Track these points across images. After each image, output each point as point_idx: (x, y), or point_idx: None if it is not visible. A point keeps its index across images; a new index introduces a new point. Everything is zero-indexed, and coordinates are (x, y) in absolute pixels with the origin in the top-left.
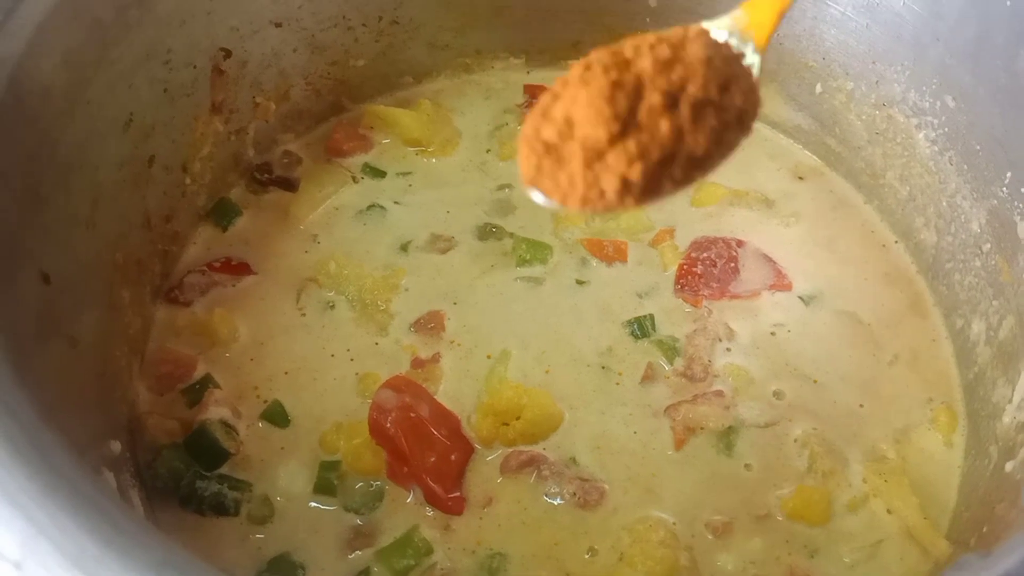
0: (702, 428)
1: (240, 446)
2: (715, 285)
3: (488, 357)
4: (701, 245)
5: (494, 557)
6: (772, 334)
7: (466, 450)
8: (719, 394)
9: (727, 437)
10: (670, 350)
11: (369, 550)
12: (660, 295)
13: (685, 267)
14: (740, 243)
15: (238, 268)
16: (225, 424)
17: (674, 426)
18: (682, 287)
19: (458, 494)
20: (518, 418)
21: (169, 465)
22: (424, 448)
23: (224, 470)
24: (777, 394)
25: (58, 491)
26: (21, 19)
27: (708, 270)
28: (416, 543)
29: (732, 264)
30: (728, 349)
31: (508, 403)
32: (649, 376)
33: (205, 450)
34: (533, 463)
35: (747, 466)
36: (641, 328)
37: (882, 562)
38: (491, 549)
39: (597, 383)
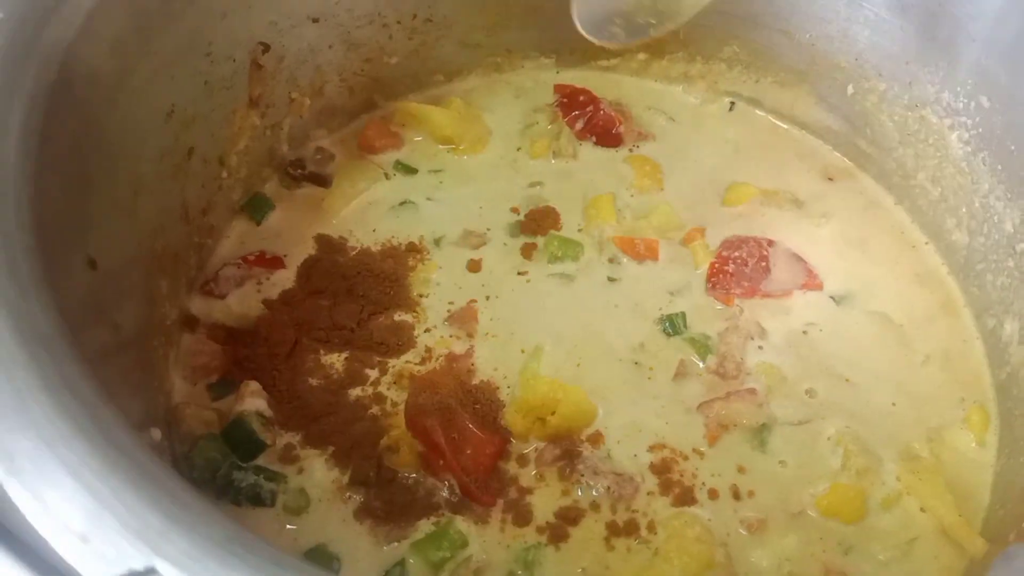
0: (735, 425)
1: (276, 438)
2: (746, 284)
3: (522, 352)
4: (732, 244)
5: (529, 550)
6: (804, 333)
7: (501, 444)
8: (752, 392)
9: (760, 434)
10: (702, 347)
11: (405, 542)
12: (692, 293)
13: (716, 265)
14: (771, 242)
15: (272, 262)
16: (261, 415)
17: (707, 423)
18: (713, 285)
19: (493, 487)
20: (553, 413)
21: (206, 455)
22: (459, 441)
23: (260, 461)
24: (810, 392)
25: (120, 466)
26: (73, 4)
27: (739, 269)
28: (451, 535)
29: (763, 263)
30: (760, 347)
31: (543, 398)
32: (681, 373)
33: (242, 441)
34: (567, 457)
35: (781, 463)
36: (673, 325)
37: (917, 560)
38: (526, 542)
39: (629, 378)
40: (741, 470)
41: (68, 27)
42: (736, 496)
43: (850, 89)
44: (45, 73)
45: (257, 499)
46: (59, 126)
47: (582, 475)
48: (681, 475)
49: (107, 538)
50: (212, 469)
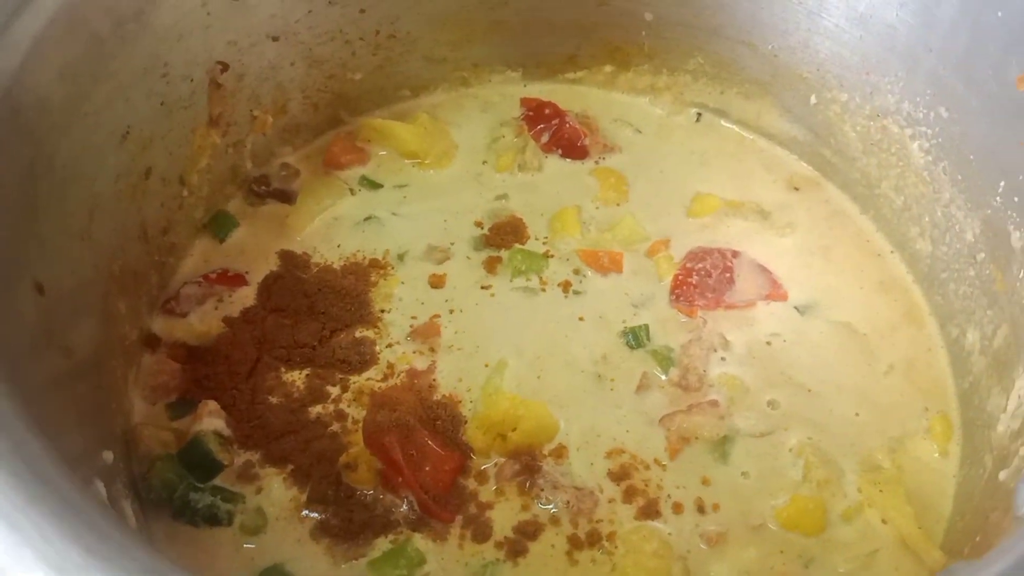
0: (697, 438)
1: (234, 457)
2: (710, 295)
3: (485, 366)
4: (696, 256)
5: (487, 566)
6: (767, 344)
7: (461, 459)
8: (714, 404)
9: (722, 447)
10: (665, 360)
11: (362, 560)
12: (655, 305)
13: (680, 277)
14: (735, 253)
15: (234, 279)
16: (219, 435)
17: (668, 435)
18: (677, 297)
19: (452, 503)
20: (514, 429)
21: (162, 477)
22: (419, 458)
23: (218, 481)
24: (772, 404)
25: (43, 500)
26: (17, 32)
27: (703, 280)
28: (409, 553)
29: (727, 274)
30: (723, 359)
31: (504, 414)
32: (644, 385)
33: (198, 462)
34: (528, 472)
35: (744, 474)
36: (636, 338)
37: (877, 572)
38: (484, 558)
39: (591, 390)
40: (705, 482)
41: (13, 54)
42: (701, 510)
43: (813, 99)
44: None
45: (214, 520)
46: (5, 154)
47: (542, 489)
48: (645, 485)
49: (26, 572)
50: (169, 490)
